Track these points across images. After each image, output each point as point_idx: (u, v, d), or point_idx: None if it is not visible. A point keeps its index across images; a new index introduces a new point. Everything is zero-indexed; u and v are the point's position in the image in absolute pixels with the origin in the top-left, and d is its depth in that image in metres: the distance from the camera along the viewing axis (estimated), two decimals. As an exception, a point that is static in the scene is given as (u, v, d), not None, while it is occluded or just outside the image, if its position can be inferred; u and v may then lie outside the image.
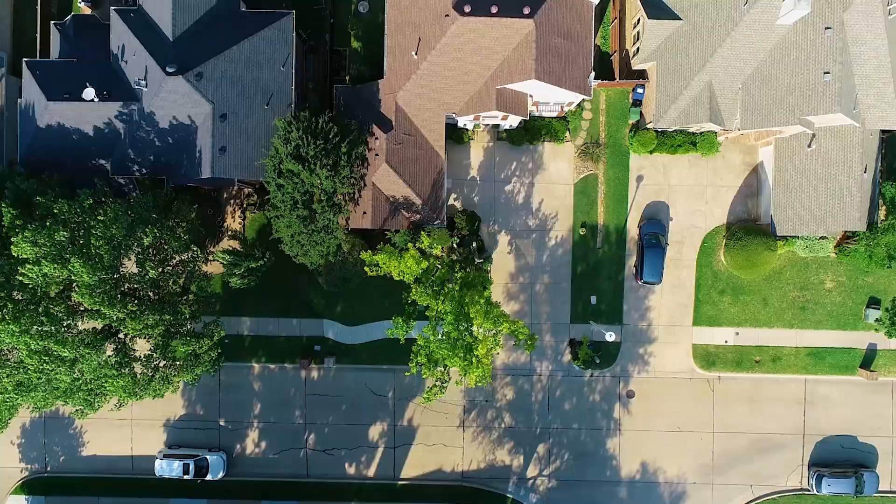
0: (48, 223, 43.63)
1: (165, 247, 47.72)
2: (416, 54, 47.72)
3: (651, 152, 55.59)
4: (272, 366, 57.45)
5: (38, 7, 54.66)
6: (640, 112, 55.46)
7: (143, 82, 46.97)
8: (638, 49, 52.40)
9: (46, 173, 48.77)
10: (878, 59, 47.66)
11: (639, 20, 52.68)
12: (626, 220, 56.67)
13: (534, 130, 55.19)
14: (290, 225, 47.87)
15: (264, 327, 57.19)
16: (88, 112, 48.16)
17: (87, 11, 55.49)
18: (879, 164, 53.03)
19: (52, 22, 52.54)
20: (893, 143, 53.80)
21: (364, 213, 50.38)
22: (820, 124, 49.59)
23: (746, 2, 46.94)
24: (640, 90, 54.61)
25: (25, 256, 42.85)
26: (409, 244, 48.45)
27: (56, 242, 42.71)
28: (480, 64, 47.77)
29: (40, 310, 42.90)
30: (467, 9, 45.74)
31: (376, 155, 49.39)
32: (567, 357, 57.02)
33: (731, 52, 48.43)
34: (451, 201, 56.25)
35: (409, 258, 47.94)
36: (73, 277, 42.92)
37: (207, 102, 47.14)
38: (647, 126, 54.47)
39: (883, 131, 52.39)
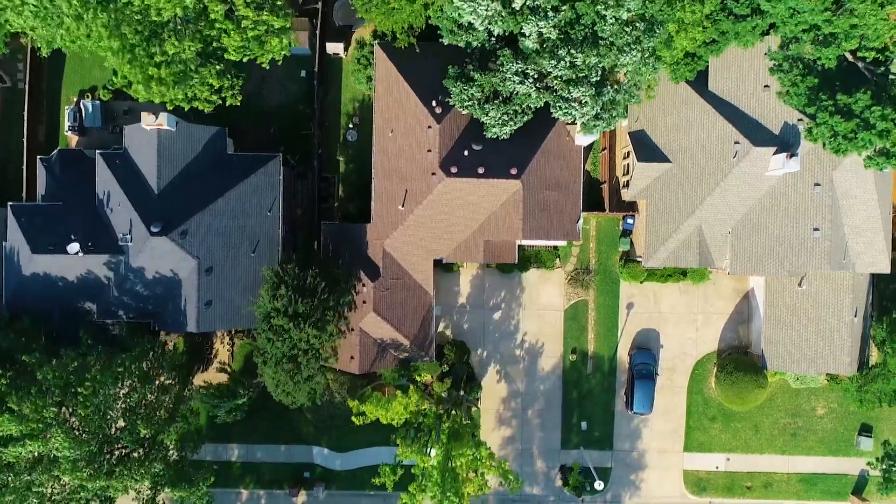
0: (34, 390, 42.97)
1: (154, 400, 47.25)
2: (403, 206, 47.32)
3: (641, 282, 55.23)
4: (261, 492, 57.12)
5: (25, 139, 54.16)
6: (630, 241, 55.12)
7: (128, 237, 46.51)
8: (628, 182, 52.03)
9: (30, 319, 48.42)
10: (868, 211, 47.24)
11: (629, 152, 52.34)
12: (617, 348, 56.33)
13: (523, 260, 54.78)
14: (275, 375, 47.45)
15: (252, 454, 56.82)
16: (74, 263, 47.65)
17: (74, 139, 55.12)
18: (871, 300, 52.69)
19: (39, 157, 52.16)
20: (883, 282, 53.37)
21: (352, 357, 50.01)
22: (810, 266, 49.34)
23: (735, 154, 46.55)
24: (630, 220, 54.28)
25: (10, 433, 41.84)
26: (398, 392, 48.26)
27: (42, 419, 41.75)
28: (468, 217, 47.39)
29: (20, 484, 42.28)
30: (454, 170, 45.29)
31: (364, 301, 49.04)
32: (558, 482, 56.72)
33: (721, 200, 48.04)
34: (440, 328, 55.88)
35: (397, 405, 47.97)
36: (55, 454, 42.20)
37: (192, 258, 46.69)
38: (637, 259, 54.14)
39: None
